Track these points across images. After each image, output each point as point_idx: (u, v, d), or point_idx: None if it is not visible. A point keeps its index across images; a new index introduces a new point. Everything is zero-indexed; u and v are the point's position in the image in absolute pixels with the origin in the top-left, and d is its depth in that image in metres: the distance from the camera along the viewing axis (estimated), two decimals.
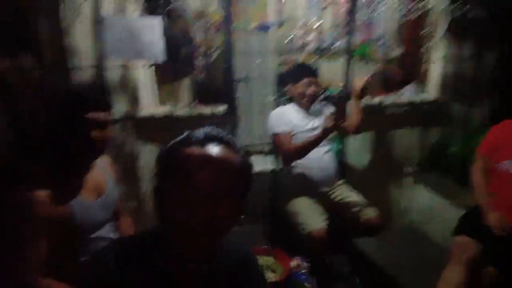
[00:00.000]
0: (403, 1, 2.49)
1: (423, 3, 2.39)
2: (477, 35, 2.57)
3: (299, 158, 2.14)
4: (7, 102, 1.91)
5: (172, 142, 0.72)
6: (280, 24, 3.95)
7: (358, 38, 2.79)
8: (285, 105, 2.39)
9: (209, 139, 0.69)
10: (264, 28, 3.58)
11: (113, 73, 2.07)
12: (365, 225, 2.08)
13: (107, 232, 1.37)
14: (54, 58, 1.98)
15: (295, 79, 2.24)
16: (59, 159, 1.23)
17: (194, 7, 2.44)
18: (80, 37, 1.92)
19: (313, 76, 2.24)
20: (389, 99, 2.68)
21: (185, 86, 2.56)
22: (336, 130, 2.04)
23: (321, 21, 3.93)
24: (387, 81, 3.33)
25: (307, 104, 2.26)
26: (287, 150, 2.14)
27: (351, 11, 2.42)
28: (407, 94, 2.72)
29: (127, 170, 2.28)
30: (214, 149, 0.68)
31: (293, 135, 2.20)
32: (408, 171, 2.75)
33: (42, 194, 1.14)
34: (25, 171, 1.43)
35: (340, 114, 1.94)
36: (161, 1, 1.94)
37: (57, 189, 1.20)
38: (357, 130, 2.35)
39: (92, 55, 1.97)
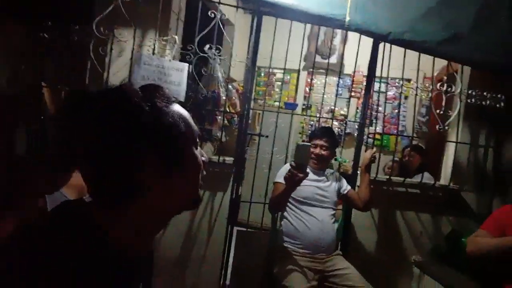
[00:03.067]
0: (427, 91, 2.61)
1: (445, 86, 2.49)
2: (493, 123, 2.58)
3: (275, 206, 2.23)
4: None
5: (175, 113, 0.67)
6: (307, 107, 4.26)
7: (381, 129, 2.92)
8: None
9: None
10: (291, 106, 3.85)
11: None
12: None
13: None
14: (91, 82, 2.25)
15: (309, 138, 2.42)
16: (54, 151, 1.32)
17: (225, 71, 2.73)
18: (117, 69, 2.20)
19: (323, 140, 2.31)
20: (400, 178, 2.63)
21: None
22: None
23: (345, 109, 4.20)
24: (404, 168, 3.32)
25: (314, 164, 2.32)
26: (271, 197, 2.24)
27: (365, 105, 2.62)
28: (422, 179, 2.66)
29: None
30: None
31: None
32: (416, 259, 2.53)
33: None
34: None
35: (298, 165, 1.87)
36: (192, 50, 2.19)
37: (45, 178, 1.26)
38: (366, 205, 2.34)
39: None
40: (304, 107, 4.23)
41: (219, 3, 2.20)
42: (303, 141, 4.36)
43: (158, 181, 0.63)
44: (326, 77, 2.90)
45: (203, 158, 0.71)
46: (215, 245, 2.46)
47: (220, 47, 2.25)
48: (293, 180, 1.86)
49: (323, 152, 2.30)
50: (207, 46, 2.19)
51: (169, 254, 2.39)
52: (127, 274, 0.64)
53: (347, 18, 2.20)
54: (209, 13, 2.14)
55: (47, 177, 1.25)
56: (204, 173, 0.72)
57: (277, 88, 4.30)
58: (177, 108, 0.68)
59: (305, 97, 4.25)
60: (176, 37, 2.20)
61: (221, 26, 2.21)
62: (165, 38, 2.19)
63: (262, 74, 4.25)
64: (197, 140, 0.71)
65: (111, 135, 0.60)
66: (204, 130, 3.26)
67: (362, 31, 2.26)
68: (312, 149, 2.32)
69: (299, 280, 1.97)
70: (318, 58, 4.01)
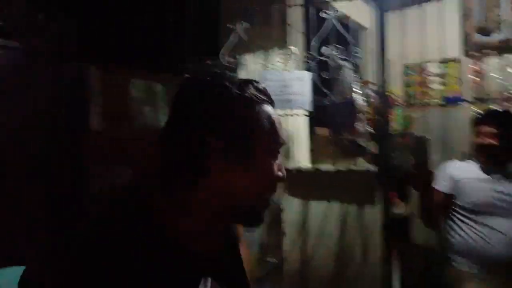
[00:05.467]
0: None
1: None
2: None
3: (424, 220, 1.89)
4: None
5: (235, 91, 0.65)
6: (477, 100, 3.46)
7: None
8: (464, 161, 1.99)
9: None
10: (453, 100, 3.25)
11: None
12: None
13: None
14: None
15: (476, 125, 1.88)
16: None
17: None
18: None
19: (493, 126, 1.78)
20: None
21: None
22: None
23: None
24: None
25: (483, 159, 1.82)
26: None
27: None
28: None
29: (269, 222, 2.31)
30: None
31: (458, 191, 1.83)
32: None
33: None
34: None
35: (417, 164, 1.60)
36: (311, 57, 2.11)
37: None
38: None
39: None
40: (473, 100, 3.46)
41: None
42: None
43: (220, 167, 0.61)
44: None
45: (279, 173, 0.66)
46: (371, 264, 2.16)
47: (338, 46, 2.09)
48: (416, 183, 1.55)
49: (493, 143, 1.76)
50: (323, 48, 2.07)
51: (320, 274, 2.24)
52: (187, 269, 0.61)
53: None
54: (321, 14, 2.04)
55: None
56: (275, 190, 0.67)
57: (432, 84, 3.69)
58: (266, 108, 0.66)
59: (473, 88, 3.48)
60: (295, 48, 2.17)
61: (338, 25, 2.06)
62: (283, 52, 2.20)
63: (412, 72, 3.74)
64: (276, 151, 0.67)
65: (189, 113, 0.62)
66: (350, 142, 3.02)
67: None
68: (478, 140, 1.83)
69: None
70: (481, 38, 3.29)
